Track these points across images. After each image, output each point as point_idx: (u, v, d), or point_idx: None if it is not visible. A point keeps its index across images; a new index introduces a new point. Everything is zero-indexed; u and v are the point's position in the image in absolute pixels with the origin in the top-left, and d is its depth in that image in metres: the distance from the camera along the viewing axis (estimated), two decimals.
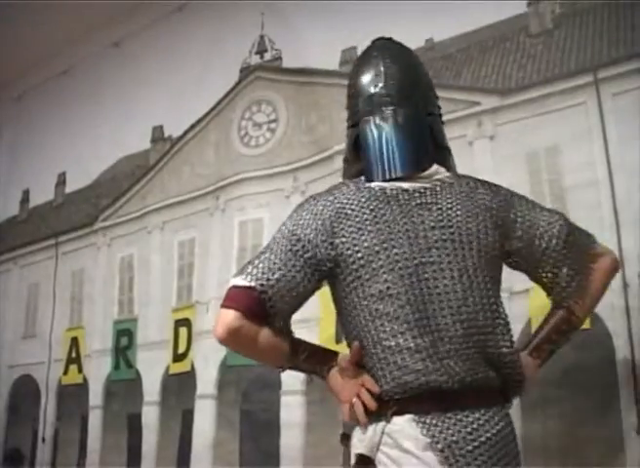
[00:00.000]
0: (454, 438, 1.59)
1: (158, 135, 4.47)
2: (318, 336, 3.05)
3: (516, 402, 1.82)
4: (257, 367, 3.22)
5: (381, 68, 1.90)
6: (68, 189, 5.03)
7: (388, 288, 1.68)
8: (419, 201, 1.77)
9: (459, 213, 1.76)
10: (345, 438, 1.76)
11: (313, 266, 1.74)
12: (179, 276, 4.16)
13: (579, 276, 1.84)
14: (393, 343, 1.66)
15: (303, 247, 1.74)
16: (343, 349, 1.80)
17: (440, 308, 1.67)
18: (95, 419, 4.40)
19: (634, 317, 2.48)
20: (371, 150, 1.86)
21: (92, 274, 4.69)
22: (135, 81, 4.60)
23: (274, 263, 1.73)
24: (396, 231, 1.72)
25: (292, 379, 3.31)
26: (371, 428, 1.67)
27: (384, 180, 1.81)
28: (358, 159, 1.91)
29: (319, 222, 1.76)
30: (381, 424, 1.65)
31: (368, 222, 1.73)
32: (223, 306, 1.72)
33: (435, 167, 1.84)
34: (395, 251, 1.70)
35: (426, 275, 1.69)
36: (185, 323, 3.96)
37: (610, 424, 2.49)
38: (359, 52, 3.21)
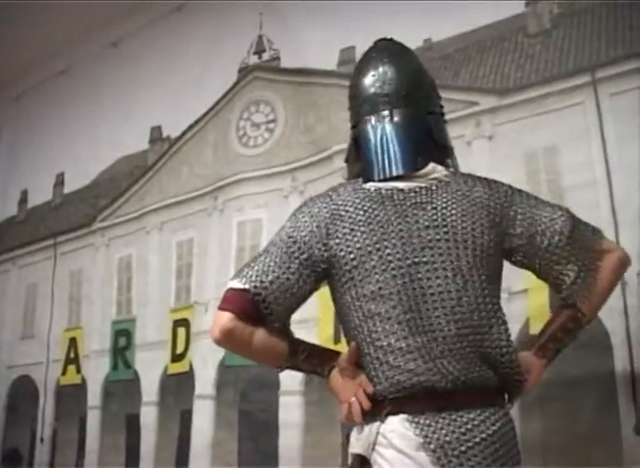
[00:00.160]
0: (447, 438, 1.59)
1: (156, 135, 4.47)
2: (317, 337, 3.06)
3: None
4: (255, 367, 3.21)
5: (381, 69, 1.91)
6: (67, 190, 5.03)
7: (380, 288, 1.69)
8: (413, 200, 1.78)
9: (454, 212, 1.76)
10: (347, 438, 1.77)
11: (309, 268, 1.76)
12: (177, 276, 4.16)
13: (585, 273, 1.81)
14: (385, 343, 1.67)
15: (299, 248, 1.76)
16: (342, 349, 1.81)
17: (433, 308, 1.67)
18: (93, 420, 4.40)
19: (632, 316, 2.48)
20: (368, 150, 1.88)
21: (90, 274, 4.68)
22: (133, 81, 4.59)
23: (269, 266, 1.75)
24: (390, 231, 1.73)
25: (290, 380, 3.31)
26: (366, 428, 1.68)
27: (381, 180, 1.81)
28: (359, 159, 1.92)
29: (315, 224, 1.78)
30: (376, 424, 1.66)
31: (361, 223, 1.75)
32: (219, 308, 1.74)
33: (432, 165, 1.84)
34: (388, 251, 1.71)
35: (420, 275, 1.69)
36: (184, 323, 3.96)
37: (608, 423, 2.49)
38: (357, 52, 3.22)
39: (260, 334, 1.74)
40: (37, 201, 5.23)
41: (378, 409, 1.66)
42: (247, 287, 1.72)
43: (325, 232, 1.76)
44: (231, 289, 1.75)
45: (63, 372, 4.63)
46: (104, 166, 4.77)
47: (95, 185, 4.83)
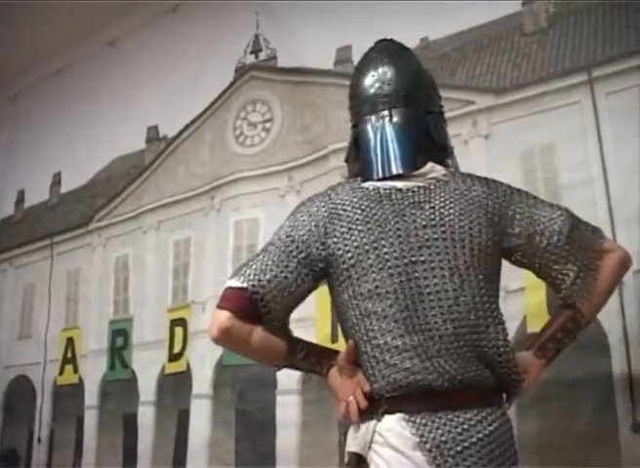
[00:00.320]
0: (443, 438, 1.59)
1: (153, 134, 4.46)
2: (315, 336, 3.05)
3: None
4: (252, 366, 3.21)
5: (381, 69, 1.92)
6: (63, 189, 5.03)
7: (377, 287, 1.70)
8: (411, 200, 1.78)
9: (451, 211, 1.76)
10: (344, 437, 1.77)
11: (307, 266, 1.76)
12: (174, 276, 4.16)
13: (584, 273, 1.80)
14: (382, 342, 1.67)
15: (297, 247, 1.77)
16: (340, 348, 1.81)
17: (430, 307, 1.67)
18: (90, 419, 4.40)
19: (629, 315, 2.48)
20: (367, 150, 1.88)
21: (87, 274, 4.68)
22: (130, 81, 4.59)
23: (267, 265, 1.75)
24: (387, 230, 1.73)
25: (287, 379, 3.31)
26: (363, 426, 1.68)
27: (379, 180, 1.82)
28: (358, 159, 1.93)
29: (313, 223, 1.79)
30: (373, 423, 1.66)
31: (359, 222, 1.75)
32: (218, 307, 1.74)
33: (430, 165, 1.84)
34: (385, 250, 1.71)
35: (417, 274, 1.69)
36: (181, 322, 3.96)
37: (605, 423, 2.50)
38: (354, 51, 3.22)
39: (258, 333, 1.74)
40: (34, 201, 5.23)
41: (374, 407, 1.66)
42: (245, 285, 1.72)
43: (323, 231, 1.77)
44: (229, 287, 1.75)
45: (61, 372, 4.63)
46: (101, 165, 4.77)
47: (92, 185, 4.83)
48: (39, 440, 4.69)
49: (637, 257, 2.38)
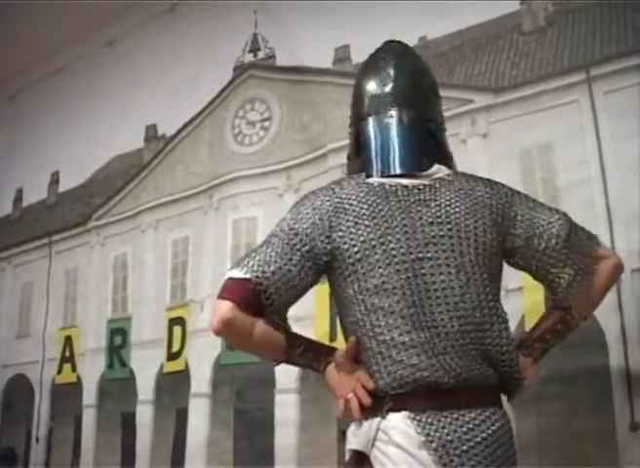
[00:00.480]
0: (449, 437, 1.59)
1: (151, 133, 4.46)
2: (313, 334, 3.05)
3: None
4: (250, 365, 3.22)
5: (387, 70, 1.92)
6: (62, 188, 5.02)
7: (384, 282, 1.69)
8: (417, 197, 1.78)
9: (457, 209, 1.76)
10: (344, 435, 1.76)
11: (311, 260, 1.75)
12: (172, 275, 4.15)
13: (581, 277, 1.83)
14: (388, 337, 1.66)
15: (301, 240, 1.76)
16: (339, 346, 1.81)
17: (437, 304, 1.67)
18: (89, 418, 4.39)
19: (627, 313, 2.48)
20: (371, 147, 1.89)
21: (85, 273, 4.68)
22: (128, 80, 4.59)
23: (271, 256, 1.73)
24: (394, 226, 1.73)
25: (286, 377, 3.31)
26: (366, 424, 1.67)
27: (383, 176, 1.82)
28: (360, 156, 1.93)
29: (317, 217, 1.77)
30: (377, 420, 1.65)
31: (365, 217, 1.75)
32: (219, 297, 1.72)
33: (436, 166, 1.85)
34: (392, 245, 1.71)
35: (423, 270, 1.70)
36: (179, 321, 3.96)
37: (603, 421, 2.50)
38: (352, 50, 3.23)
39: (260, 326, 1.72)
40: (32, 199, 5.22)
41: (378, 404, 1.66)
42: (248, 276, 1.70)
43: (328, 225, 1.76)
44: (231, 278, 1.73)
45: (59, 371, 4.62)
46: (100, 164, 4.77)
47: (90, 184, 4.83)
48: (37, 439, 4.68)
49: (635, 256, 2.39)
